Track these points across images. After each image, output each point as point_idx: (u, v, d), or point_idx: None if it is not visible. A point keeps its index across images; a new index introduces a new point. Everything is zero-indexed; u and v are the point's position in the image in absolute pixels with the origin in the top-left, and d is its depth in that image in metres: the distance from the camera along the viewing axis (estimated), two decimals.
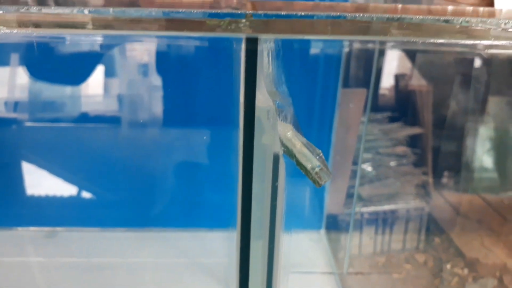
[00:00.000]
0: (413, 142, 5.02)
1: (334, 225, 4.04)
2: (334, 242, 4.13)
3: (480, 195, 5.15)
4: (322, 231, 3.93)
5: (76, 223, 3.76)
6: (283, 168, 1.13)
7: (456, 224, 4.65)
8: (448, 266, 4.27)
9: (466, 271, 4.19)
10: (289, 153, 1.07)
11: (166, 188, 3.40)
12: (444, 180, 5.32)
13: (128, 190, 3.56)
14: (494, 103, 4.82)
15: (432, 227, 4.65)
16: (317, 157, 1.05)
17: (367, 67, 3.57)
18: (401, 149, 4.86)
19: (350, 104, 3.70)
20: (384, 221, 4.30)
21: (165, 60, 2.75)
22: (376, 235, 4.36)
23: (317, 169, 1.01)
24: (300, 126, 1.13)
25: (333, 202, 4.11)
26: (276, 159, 1.12)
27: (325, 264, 3.43)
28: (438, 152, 5.45)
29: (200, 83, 2.85)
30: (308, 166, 1.03)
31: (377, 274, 4.26)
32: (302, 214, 3.47)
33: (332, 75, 3.21)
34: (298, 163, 1.05)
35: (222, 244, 2.98)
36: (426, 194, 4.56)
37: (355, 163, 4.48)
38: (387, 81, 3.86)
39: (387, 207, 4.25)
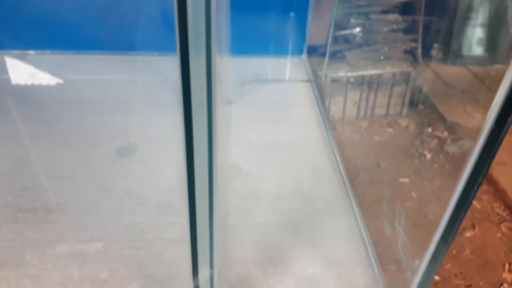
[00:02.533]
0: (405, 10, 4.89)
1: (313, 51, 4.17)
2: (314, 64, 4.26)
3: (468, 67, 5.15)
4: (304, 56, 4.08)
5: (48, 47, 3.73)
6: None
7: (440, 92, 4.71)
8: (429, 129, 4.40)
9: (446, 133, 4.33)
10: None
11: (136, 15, 3.31)
12: (433, 51, 5.28)
13: (99, 13, 3.42)
14: None
15: (416, 94, 4.71)
16: None
17: None
18: (393, 16, 4.75)
19: None
20: (369, 86, 4.33)
21: None
22: (360, 101, 4.42)
23: None
24: None
25: (313, 32, 4.22)
26: None
27: (304, 76, 3.52)
28: (429, 23, 5.34)
29: None
30: None
31: (359, 136, 4.40)
32: (285, 42, 3.50)
33: None
34: None
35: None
36: (414, 60, 4.55)
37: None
38: None
39: (373, 71, 4.25)
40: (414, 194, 3.82)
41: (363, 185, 3.87)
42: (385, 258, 1.37)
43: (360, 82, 4.33)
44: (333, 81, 3.57)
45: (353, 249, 1.24)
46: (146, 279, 1.50)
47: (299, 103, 1.93)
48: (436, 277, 3.15)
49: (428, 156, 4.12)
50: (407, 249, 1.15)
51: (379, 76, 4.31)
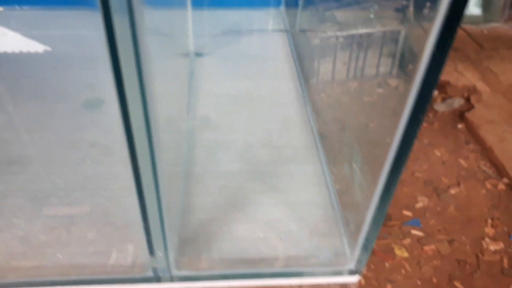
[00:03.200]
0: None
1: (291, 3, 4.11)
2: (291, 16, 4.22)
3: (461, 26, 5.05)
4: (282, 8, 4.03)
5: (16, 2, 3.63)
6: None
7: None
8: None
9: (435, 93, 4.29)
10: None
11: None
12: (425, 10, 5.18)
13: None
14: None
15: (407, 53, 4.63)
16: None
17: None
18: None
19: None
20: (359, 46, 4.27)
21: None
22: (350, 61, 4.37)
23: None
24: None
25: None
26: None
27: (280, 27, 3.47)
28: None
29: None
30: None
31: (348, 98, 4.36)
32: None
33: None
34: None
35: None
36: (404, 19, 4.46)
37: None
38: None
39: (363, 30, 4.18)
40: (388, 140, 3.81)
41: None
42: (344, 199, 1.37)
43: (348, 43, 4.27)
44: (302, 31, 3.52)
45: (316, 194, 1.24)
46: (108, 227, 1.51)
47: (274, 55, 1.91)
48: (420, 233, 3.18)
49: None
50: (362, 188, 1.15)
51: (368, 35, 4.24)
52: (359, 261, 1.03)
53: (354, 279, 1.07)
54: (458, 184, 3.50)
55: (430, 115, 4.10)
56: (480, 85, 4.17)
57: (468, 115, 3.93)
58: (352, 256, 1.03)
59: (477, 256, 3.07)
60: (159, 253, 0.98)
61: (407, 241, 3.14)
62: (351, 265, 1.05)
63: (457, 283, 2.92)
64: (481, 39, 4.82)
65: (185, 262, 1.08)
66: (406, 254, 3.10)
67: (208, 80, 1.84)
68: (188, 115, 1.54)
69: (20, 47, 2.80)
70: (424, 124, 4.01)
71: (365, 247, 1.00)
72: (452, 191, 3.45)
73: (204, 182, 1.30)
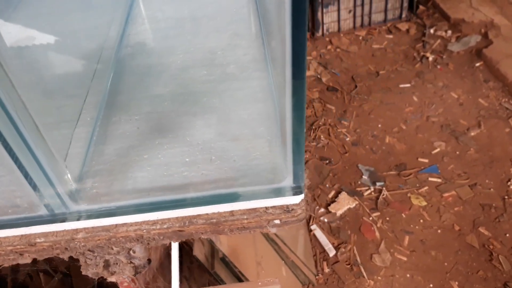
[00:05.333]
0: None
1: None
2: None
3: None
4: None
5: None
6: None
7: None
8: (432, 30, 4.05)
9: (449, 32, 3.98)
10: None
11: None
12: None
13: None
14: None
15: None
16: None
17: None
18: None
19: None
20: None
21: None
22: (355, 8, 4.10)
23: None
24: None
25: None
26: None
27: None
28: None
29: None
30: None
31: (357, 47, 4.12)
32: None
33: None
34: None
35: None
36: None
37: None
38: None
39: None
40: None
41: None
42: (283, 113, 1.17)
43: None
44: None
45: (260, 110, 1.08)
46: None
47: None
48: (438, 180, 2.96)
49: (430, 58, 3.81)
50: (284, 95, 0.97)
51: None
52: (295, 176, 0.87)
53: (295, 199, 0.91)
54: (479, 125, 3.25)
55: (444, 56, 3.81)
56: (499, 19, 3.84)
57: (486, 51, 3.63)
58: (288, 171, 0.87)
59: (503, 199, 2.84)
60: (47, 189, 0.87)
61: (424, 189, 2.94)
62: (288, 181, 0.88)
63: (482, 229, 2.71)
64: None
65: (90, 196, 0.95)
66: (424, 203, 2.90)
67: (150, 7, 1.66)
68: (120, 44, 1.39)
69: None
70: (438, 67, 3.74)
71: (295, 157, 0.83)
72: (472, 133, 3.20)
73: (126, 110, 1.15)
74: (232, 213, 0.95)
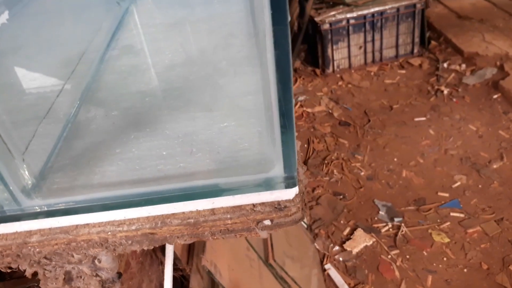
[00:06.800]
0: None
1: None
2: None
3: None
4: None
5: None
6: None
7: (455, 25, 4.25)
8: (445, 65, 3.95)
9: (463, 66, 3.87)
10: None
11: None
12: None
13: None
14: None
15: (427, 30, 4.26)
16: None
17: None
18: None
19: None
20: (372, 26, 3.94)
21: None
22: (365, 44, 4.04)
23: None
24: None
25: None
26: None
27: None
28: None
29: None
30: None
31: (369, 82, 4.02)
32: None
33: None
34: None
35: None
36: None
37: None
38: None
39: (374, 9, 3.86)
40: None
41: None
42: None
43: (362, 23, 3.96)
44: None
45: (248, 102, 0.96)
46: None
47: None
48: (460, 215, 2.75)
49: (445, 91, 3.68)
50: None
51: (382, 13, 3.91)
52: (286, 164, 0.73)
53: (288, 194, 0.76)
54: (501, 157, 3.05)
55: (460, 89, 3.68)
56: None
57: (504, 83, 3.49)
58: (277, 157, 0.72)
59: None
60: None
61: (446, 225, 2.71)
62: (278, 170, 0.73)
63: None
64: (509, 7, 4.39)
65: (48, 191, 0.81)
66: (446, 240, 2.67)
67: (143, 14, 1.59)
68: (107, 47, 1.30)
69: None
70: (454, 100, 3.60)
71: (285, 139, 0.69)
72: (495, 166, 3.00)
73: (103, 106, 1.04)
74: (213, 211, 0.80)
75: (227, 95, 1.01)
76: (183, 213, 0.80)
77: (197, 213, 0.80)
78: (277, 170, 0.77)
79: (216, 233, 0.81)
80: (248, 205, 0.79)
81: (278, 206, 0.79)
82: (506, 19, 4.26)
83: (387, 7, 3.87)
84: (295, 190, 0.79)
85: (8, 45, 1.18)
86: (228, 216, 0.79)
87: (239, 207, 0.80)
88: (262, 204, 0.79)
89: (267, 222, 0.80)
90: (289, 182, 0.78)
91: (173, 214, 0.80)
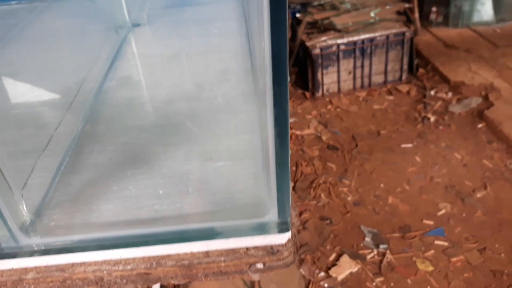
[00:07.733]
0: None
1: None
2: None
3: (471, 27, 4.78)
4: None
5: None
6: None
7: (442, 54, 4.36)
8: (432, 92, 4.04)
9: (450, 94, 3.96)
10: None
11: None
12: (432, 15, 4.94)
13: None
14: None
15: (416, 58, 4.36)
16: None
17: None
18: None
19: None
20: (362, 52, 4.02)
21: None
22: (355, 69, 4.12)
23: None
24: None
25: None
26: None
27: None
28: None
29: None
30: None
31: (357, 107, 4.09)
32: None
33: None
34: None
35: None
36: (408, 20, 4.22)
37: None
38: None
39: (364, 36, 3.94)
40: None
41: None
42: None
43: (352, 49, 4.04)
44: None
45: (244, 142, 0.98)
46: None
47: (224, 18, 1.67)
48: (444, 243, 2.79)
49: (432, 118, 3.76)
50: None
51: (371, 40, 4.00)
52: (280, 209, 0.75)
53: (281, 239, 0.78)
54: (485, 187, 3.12)
55: (446, 117, 3.76)
56: (498, 82, 3.83)
57: (488, 113, 3.58)
58: (272, 203, 0.75)
59: None
60: None
61: (430, 253, 2.75)
62: (272, 215, 0.76)
63: None
64: (494, 38, 4.51)
65: (45, 229, 0.83)
66: (430, 268, 2.70)
67: (142, 45, 1.62)
68: (105, 78, 1.32)
69: None
70: (440, 127, 3.67)
71: (280, 186, 0.72)
72: (478, 195, 3.07)
73: (100, 141, 1.05)
74: (207, 253, 0.82)
75: (223, 133, 1.03)
76: (178, 254, 0.82)
77: (192, 255, 0.82)
78: (272, 216, 0.79)
79: (210, 274, 0.83)
80: (241, 248, 0.81)
81: (271, 250, 0.81)
82: (491, 49, 4.38)
83: (377, 34, 3.96)
84: (288, 235, 0.81)
85: (3, 70, 1.19)
86: (222, 259, 0.81)
87: (233, 250, 0.82)
88: (256, 248, 0.82)
89: (259, 266, 0.83)
90: (283, 227, 0.80)
91: (168, 255, 0.82)
